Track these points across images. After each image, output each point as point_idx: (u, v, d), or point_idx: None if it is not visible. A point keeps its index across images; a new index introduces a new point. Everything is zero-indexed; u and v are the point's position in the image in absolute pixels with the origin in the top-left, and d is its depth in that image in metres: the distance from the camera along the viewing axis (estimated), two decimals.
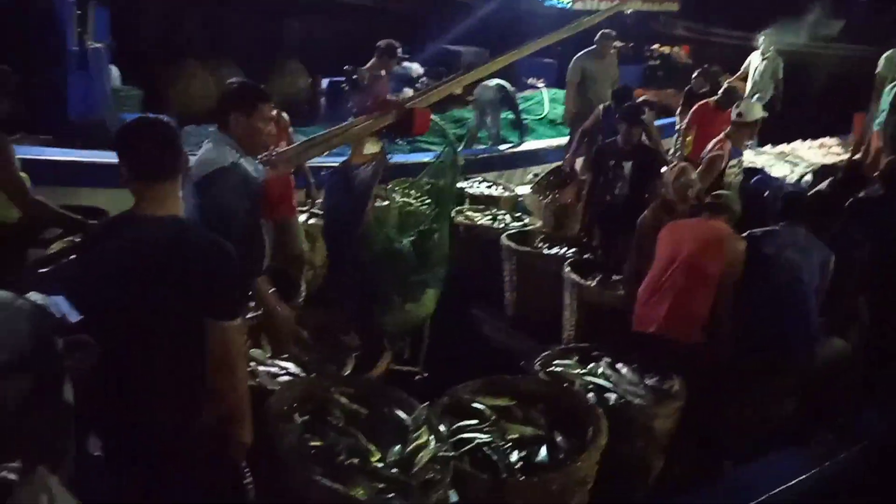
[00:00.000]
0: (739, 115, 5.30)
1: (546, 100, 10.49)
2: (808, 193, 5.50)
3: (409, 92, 7.91)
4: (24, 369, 1.47)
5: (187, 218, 2.24)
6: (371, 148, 3.60)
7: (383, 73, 5.56)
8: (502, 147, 8.89)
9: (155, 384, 2.18)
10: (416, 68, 10.33)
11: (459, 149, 3.96)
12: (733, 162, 5.16)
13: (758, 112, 5.44)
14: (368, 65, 5.81)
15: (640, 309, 3.91)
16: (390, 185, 4.27)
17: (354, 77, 5.44)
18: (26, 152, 4.82)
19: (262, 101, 2.85)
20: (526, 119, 9.34)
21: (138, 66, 8.53)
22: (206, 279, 2.15)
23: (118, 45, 8.35)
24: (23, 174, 3.26)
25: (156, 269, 2.13)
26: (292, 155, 3.44)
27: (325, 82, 9.87)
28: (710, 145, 5.29)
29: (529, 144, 8.89)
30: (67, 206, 3.50)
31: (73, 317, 2.22)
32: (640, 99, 7.83)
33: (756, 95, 8.70)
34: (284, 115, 4.53)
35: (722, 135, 5.36)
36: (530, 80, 11.29)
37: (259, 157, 3.13)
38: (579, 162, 6.87)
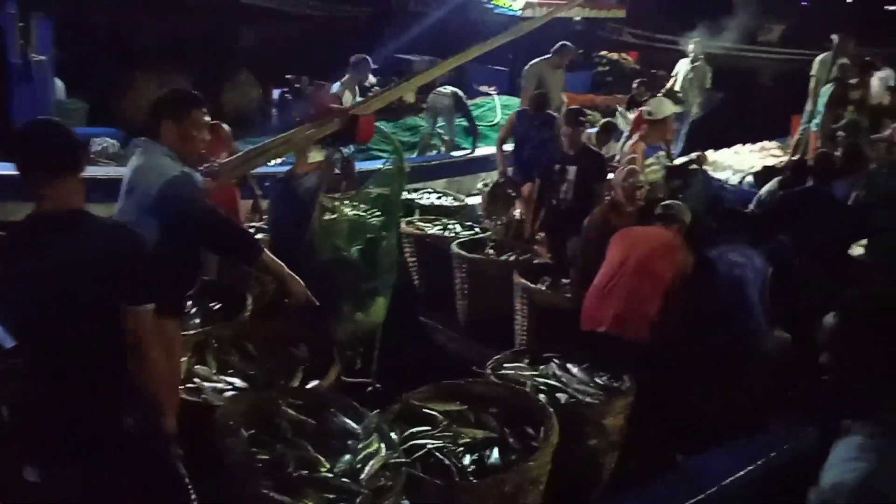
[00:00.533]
0: (649, 113, 5.48)
1: (498, 106, 10.54)
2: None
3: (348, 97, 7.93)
4: None
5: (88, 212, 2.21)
6: (316, 157, 3.57)
7: (330, 84, 5.51)
8: (456, 154, 8.93)
9: (81, 384, 2.18)
10: (369, 78, 10.35)
11: (411, 156, 3.95)
12: (651, 160, 5.29)
13: (667, 109, 5.59)
14: (344, 79, 5.85)
15: (590, 309, 3.96)
16: (336, 198, 4.24)
17: (297, 86, 5.41)
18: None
19: (194, 107, 2.79)
20: (479, 125, 9.40)
21: (84, 79, 8.33)
22: (114, 264, 2.15)
23: (63, 57, 8.18)
24: None
25: (66, 264, 2.11)
26: (235, 165, 3.39)
27: (276, 93, 9.77)
28: (625, 148, 5.48)
29: (482, 150, 8.94)
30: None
31: (8, 343, 2.20)
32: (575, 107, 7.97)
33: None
34: (225, 126, 4.47)
35: (635, 136, 5.53)
36: (482, 88, 11.35)
37: (201, 167, 3.08)
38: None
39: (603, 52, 13.61)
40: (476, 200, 7.09)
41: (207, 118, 2.84)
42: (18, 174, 2.14)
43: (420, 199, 6.65)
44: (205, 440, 2.68)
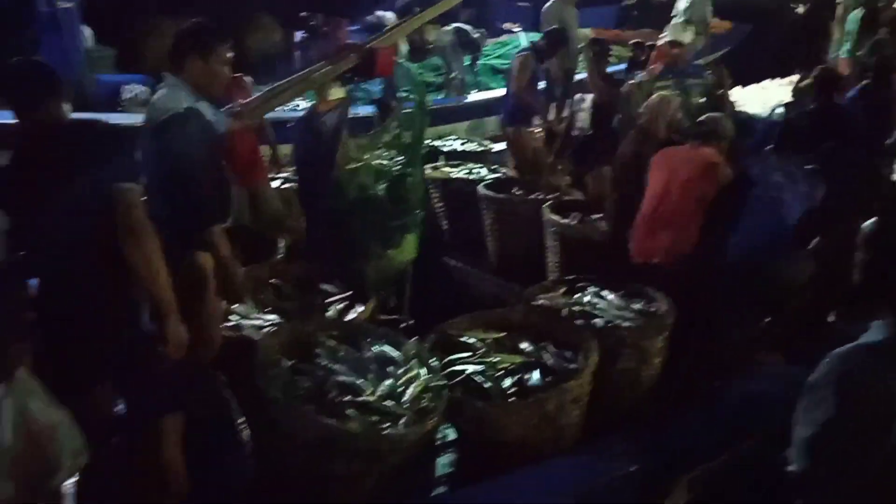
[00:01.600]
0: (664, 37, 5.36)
1: (524, 44, 10.29)
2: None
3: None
4: None
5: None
6: (336, 94, 3.53)
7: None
8: (476, 95, 8.65)
9: (83, 300, 2.25)
10: (389, 17, 10.13)
11: (438, 97, 3.89)
12: (668, 83, 5.19)
13: (678, 33, 5.46)
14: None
15: (640, 240, 3.89)
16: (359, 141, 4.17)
17: (312, 24, 5.34)
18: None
19: (219, 42, 2.78)
20: (504, 64, 9.10)
21: (111, 25, 8.28)
22: (94, 151, 2.24)
23: (89, 4, 8.10)
24: None
25: (55, 163, 2.22)
26: (256, 105, 3.37)
27: (298, 35, 9.58)
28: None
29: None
30: None
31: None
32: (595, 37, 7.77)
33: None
34: (247, 78, 4.43)
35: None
36: (506, 25, 11.02)
37: (224, 108, 3.06)
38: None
39: None
40: (502, 146, 7.01)
41: (230, 54, 2.82)
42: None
43: (444, 145, 6.60)
44: (247, 374, 2.71)
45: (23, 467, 2.09)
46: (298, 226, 4.59)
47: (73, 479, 2.62)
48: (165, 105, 2.69)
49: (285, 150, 5.26)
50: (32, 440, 2.09)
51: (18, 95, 2.32)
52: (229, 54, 2.83)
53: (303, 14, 5.61)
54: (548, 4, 7.73)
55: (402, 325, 3.99)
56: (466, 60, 8.77)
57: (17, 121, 2.34)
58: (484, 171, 5.97)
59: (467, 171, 5.99)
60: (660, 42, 6.41)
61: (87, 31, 7.54)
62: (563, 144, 5.30)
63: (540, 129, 6.40)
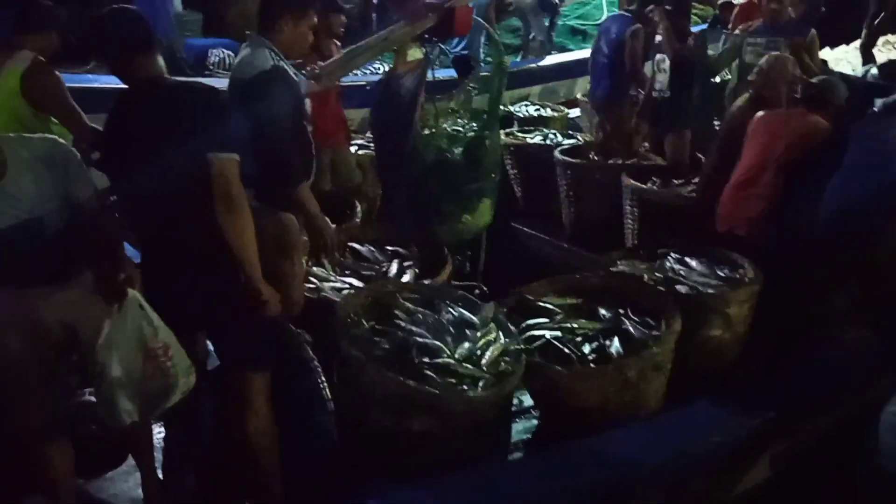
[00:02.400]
0: None
1: (605, 3, 10.02)
2: None
3: None
4: None
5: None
6: (415, 54, 3.50)
7: None
8: (558, 56, 8.51)
9: (184, 248, 2.31)
10: None
11: (515, 60, 3.81)
12: (760, 40, 4.91)
13: None
14: None
15: (726, 208, 3.72)
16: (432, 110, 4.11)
17: None
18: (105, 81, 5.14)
19: (311, 6, 2.83)
20: (584, 25, 8.93)
21: None
22: (192, 116, 2.26)
23: None
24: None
25: (150, 125, 2.25)
26: (336, 67, 3.37)
27: None
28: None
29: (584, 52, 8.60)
30: None
31: None
32: None
33: None
34: (337, 42, 4.43)
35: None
36: None
37: (304, 70, 3.08)
38: None
39: None
40: (576, 112, 6.86)
41: (316, 19, 2.87)
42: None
43: (518, 110, 6.50)
44: (327, 335, 2.75)
45: (145, 386, 2.23)
46: (373, 190, 4.64)
47: (159, 431, 2.76)
48: (252, 63, 2.72)
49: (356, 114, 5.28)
50: (151, 358, 2.21)
51: (113, 46, 2.34)
52: (315, 19, 2.86)
53: None
54: None
55: (476, 292, 3.98)
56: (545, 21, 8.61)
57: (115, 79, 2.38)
58: (559, 137, 5.86)
59: (542, 136, 5.88)
60: None
61: None
62: (643, 108, 5.11)
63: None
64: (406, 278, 3.32)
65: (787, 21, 5.07)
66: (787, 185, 3.55)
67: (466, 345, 2.71)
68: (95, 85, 5.36)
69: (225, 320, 2.37)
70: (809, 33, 4.88)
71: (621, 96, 5.38)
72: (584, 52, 8.46)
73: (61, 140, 2.37)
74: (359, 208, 3.89)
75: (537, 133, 5.94)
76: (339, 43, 4.23)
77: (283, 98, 2.68)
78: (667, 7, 4.92)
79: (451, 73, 4.27)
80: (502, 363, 2.64)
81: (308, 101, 3.11)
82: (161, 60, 2.35)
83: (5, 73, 3.12)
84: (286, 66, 2.75)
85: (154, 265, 2.35)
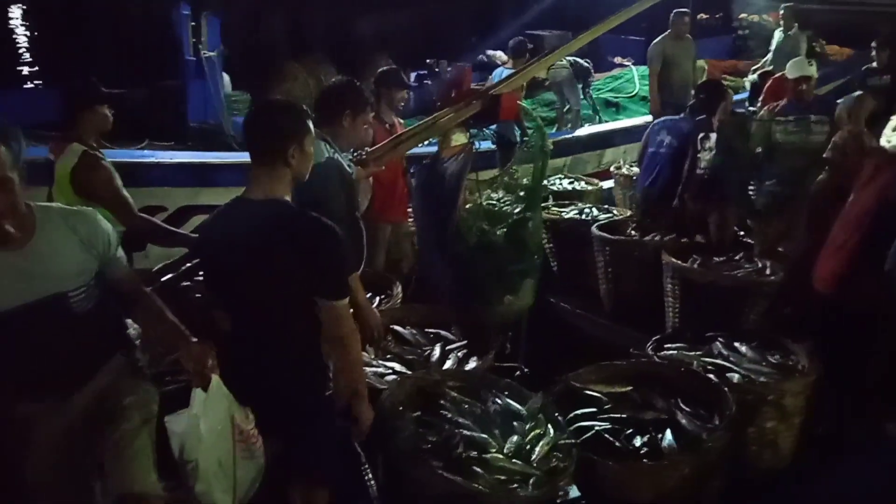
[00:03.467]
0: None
1: (636, 77, 10.28)
2: None
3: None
4: None
5: (290, 202, 2.30)
6: (459, 139, 3.53)
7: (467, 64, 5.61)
8: (592, 128, 8.77)
9: (275, 360, 2.28)
10: (500, 55, 10.33)
11: (551, 132, 3.83)
12: (789, 118, 5.00)
13: (800, 69, 5.15)
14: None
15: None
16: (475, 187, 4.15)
17: (437, 70, 5.41)
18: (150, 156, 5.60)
19: (368, 102, 2.97)
20: (618, 97, 9.20)
21: (246, 72, 8.82)
22: (311, 258, 2.20)
23: (229, 53, 8.58)
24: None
25: (261, 250, 2.20)
26: (382, 153, 3.42)
27: (413, 75, 9.77)
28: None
29: (624, 122, 8.74)
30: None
31: None
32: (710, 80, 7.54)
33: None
34: (400, 120, 4.56)
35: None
36: (617, 59, 11.13)
37: (351, 156, 3.14)
38: None
39: (743, 15, 12.74)
40: (610, 184, 6.87)
41: (373, 108, 2.98)
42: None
43: (552, 184, 6.51)
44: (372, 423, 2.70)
45: (239, 472, 2.16)
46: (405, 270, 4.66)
47: None
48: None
49: None
50: (243, 441, 2.16)
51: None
52: (371, 115, 2.96)
53: (428, 61, 5.78)
54: (651, 45, 7.60)
55: (518, 374, 3.91)
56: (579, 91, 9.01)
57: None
58: (595, 211, 5.85)
59: (578, 210, 5.87)
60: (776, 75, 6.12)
61: (226, 78, 8.05)
62: (686, 186, 5.11)
63: None
64: (449, 363, 3.27)
65: (813, 99, 5.12)
66: None
67: (515, 438, 2.65)
68: (151, 160, 5.56)
69: (310, 433, 2.35)
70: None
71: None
72: (627, 122, 8.76)
73: (100, 216, 2.29)
74: (399, 288, 3.87)
75: (573, 207, 5.94)
76: (400, 120, 4.37)
77: (337, 190, 2.72)
78: None
79: (488, 145, 4.33)
80: (553, 459, 2.56)
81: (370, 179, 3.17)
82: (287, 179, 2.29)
83: (58, 169, 3.23)
84: (340, 159, 2.80)
85: (242, 362, 2.29)
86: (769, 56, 8.76)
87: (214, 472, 2.11)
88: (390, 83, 4.33)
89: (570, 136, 8.27)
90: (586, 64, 8.82)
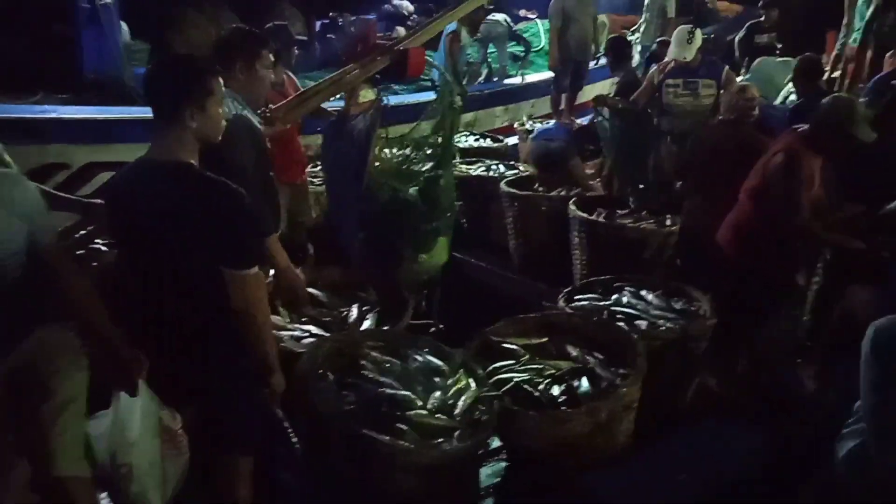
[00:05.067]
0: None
1: (542, 31, 10.42)
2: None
3: (401, 31, 7.78)
4: None
5: (195, 165, 2.16)
6: (367, 95, 3.45)
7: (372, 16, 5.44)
8: (507, 81, 9.06)
9: (185, 328, 2.18)
10: (406, 5, 10.27)
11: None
12: (677, 81, 5.17)
13: (681, 51, 5.17)
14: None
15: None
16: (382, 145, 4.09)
17: (340, 23, 5.24)
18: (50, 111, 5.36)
19: (262, 47, 2.74)
20: (521, 51, 9.40)
21: (143, 20, 8.25)
22: (213, 225, 2.09)
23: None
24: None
25: (162, 216, 2.09)
26: (288, 110, 3.29)
27: (318, 24, 9.45)
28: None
29: (533, 77, 8.88)
30: None
31: None
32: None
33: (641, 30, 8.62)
34: (291, 74, 4.36)
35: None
36: (522, 12, 11.19)
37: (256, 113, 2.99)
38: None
39: None
40: (515, 140, 6.95)
41: (272, 58, 2.77)
42: None
43: (458, 141, 6.51)
44: (290, 387, 2.64)
45: (166, 470, 2.13)
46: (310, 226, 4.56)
47: None
48: None
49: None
50: (169, 440, 2.12)
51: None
52: (271, 58, 2.77)
53: (331, 14, 5.54)
54: (551, 2, 7.66)
55: (433, 330, 3.93)
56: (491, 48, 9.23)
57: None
58: (502, 168, 5.90)
59: (485, 167, 5.91)
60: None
61: (124, 27, 7.54)
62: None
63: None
64: (367, 324, 3.25)
65: (700, 62, 5.23)
66: None
67: (437, 394, 2.67)
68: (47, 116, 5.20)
69: (227, 402, 2.26)
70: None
71: None
72: (534, 76, 9.01)
73: (24, 178, 2.12)
74: (311, 250, 3.79)
75: (480, 164, 5.97)
76: (290, 74, 4.19)
77: (247, 149, 2.59)
78: None
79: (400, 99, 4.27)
80: (476, 412, 2.60)
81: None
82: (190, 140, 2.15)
83: None
84: (249, 115, 2.66)
85: (152, 340, 2.19)
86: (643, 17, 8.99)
87: (146, 471, 2.08)
88: (278, 41, 4.11)
89: (478, 91, 8.34)
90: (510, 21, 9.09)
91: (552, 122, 6.60)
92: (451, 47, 6.98)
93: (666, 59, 5.25)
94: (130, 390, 2.07)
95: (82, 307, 2.10)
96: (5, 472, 2.04)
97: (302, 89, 3.85)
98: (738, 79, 5.82)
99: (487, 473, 2.97)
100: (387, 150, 3.77)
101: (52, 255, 2.06)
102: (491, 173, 5.77)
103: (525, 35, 10.34)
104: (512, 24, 9.10)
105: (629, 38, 8.33)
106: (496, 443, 3.05)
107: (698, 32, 5.20)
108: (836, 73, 7.73)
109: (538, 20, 10.68)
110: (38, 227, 2.03)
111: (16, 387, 2.03)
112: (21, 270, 1.99)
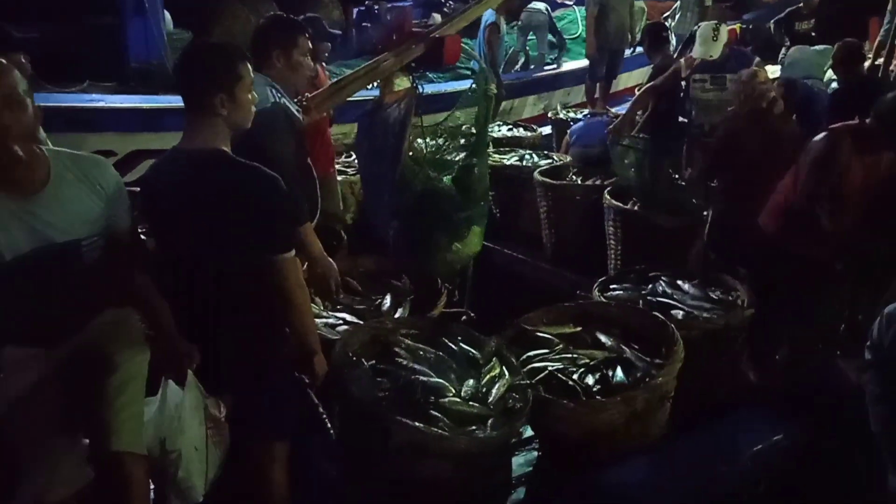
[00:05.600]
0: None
1: (580, 18, 10.29)
2: None
3: (437, 18, 7.77)
4: None
5: (228, 152, 2.17)
6: (402, 84, 3.44)
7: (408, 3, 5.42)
8: (547, 69, 9.07)
9: (223, 316, 2.20)
10: None
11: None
12: (705, 76, 5.09)
13: (705, 50, 5.03)
14: None
15: None
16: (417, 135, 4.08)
17: (376, 11, 5.25)
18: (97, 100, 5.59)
19: (301, 34, 2.75)
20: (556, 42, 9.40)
21: (186, 9, 8.38)
22: (249, 211, 2.10)
23: None
24: None
25: (198, 204, 2.10)
26: (323, 99, 3.31)
27: (356, 12, 9.40)
28: None
29: (569, 65, 8.86)
30: None
31: None
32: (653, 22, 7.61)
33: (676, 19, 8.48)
34: (323, 66, 4.38)
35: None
36: None
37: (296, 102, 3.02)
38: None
39: None
40: (548, 130, 6.89)
41: (310, 44, 2.77)
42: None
43: (491, 131, 6.47)
44: (325, 375, 2.67)
45: (210, 458, 2.18)
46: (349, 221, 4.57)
47: None
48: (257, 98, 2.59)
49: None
50: (214, 428, 2.17)
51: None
52: (309, 44, 2.77)
53: (367, 2, 5.54)
54: None
55: (464, 319, 3.93)
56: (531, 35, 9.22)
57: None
58: (535, 158, 5.86)
59: (518, 157, 5.88)
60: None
61: (167, 16, 7.66)
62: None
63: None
64: (400, 312, 3.26)
65: (727, 55, 5.12)
66: None
67: (471, 382, 2.67)
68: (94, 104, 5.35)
69: (264, 388, 2.28)
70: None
71: None
72: (572, 64, 8.98)
73: (108, 162, 2.18)
74: (345, 239, 3.81)
75: (513, 154, 5.93)
76: (325, 65, 4.21)
77: (285, 137, 2.61)
78: None
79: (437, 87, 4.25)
80: (510, 400, 2.60)
81: None
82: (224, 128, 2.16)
83: None
84: (287, 103, 2.68)
85: (191, 327, 2.22)
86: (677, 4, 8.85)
87: (193, 458, 2.13)
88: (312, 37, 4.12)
89: (513, 79, 8.31)
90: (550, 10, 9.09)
91: (587, 114, 6.48)
92: (489, 38, 6.94)
93: (692, 54, 5.12)
94: (181, 380, 2.12)
95: (149, 295, 2.18)
96: (67, 448, 2.09)
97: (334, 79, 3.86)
98: (771, 69, 5.70)
99: (520, 462, 2.97)
100: (420, 140, 3.78)
101: (128, 241, 2.13)
102: (524, 163, 5.73)
103: (563, 21, 10.26)
104: (551, 12, 9.06)
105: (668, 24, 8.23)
106: (529, 432, 3.07)
107: (723, 28, 5.03)
108: (880, 61, 7.55)
109: (576, 7, 10.58)
110: (119, 212, 2.09)
111: (83, 362, 2.10)
112: (99, 252, 2.05)
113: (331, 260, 3.00)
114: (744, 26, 7.60)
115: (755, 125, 3.87)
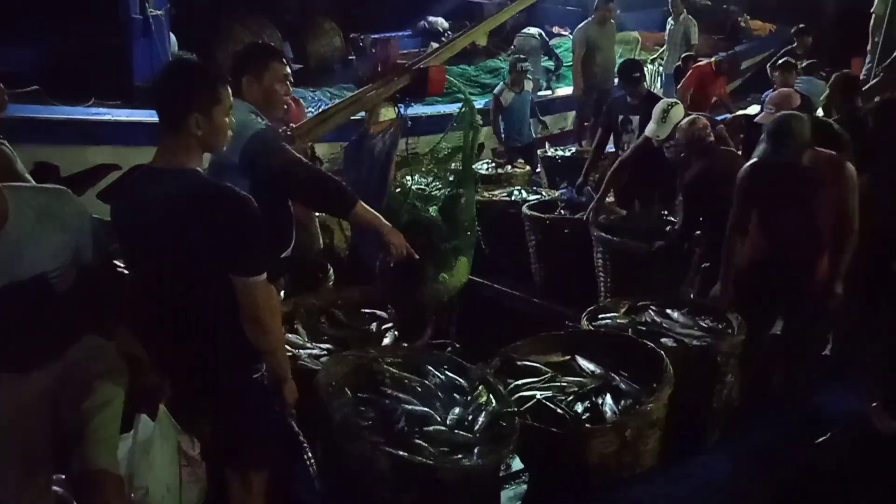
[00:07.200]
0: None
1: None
2: None
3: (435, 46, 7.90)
4: None
5: (200, 172, 2.16)
6: (387, 114, 3.46)
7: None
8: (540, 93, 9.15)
9: (196, 340, 2.16)
10: (441, 22, 10.47)
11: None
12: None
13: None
14: None
15: None
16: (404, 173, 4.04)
17: (361, 44, 5.30)
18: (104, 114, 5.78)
19: (273, 59, 2.73)
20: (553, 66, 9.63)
21: (191, 32, 8.49)
22: (220, 230, 2.06)
23: (175, 12, 8.23)
24: None
25: (168, 224, 2.07)
26: (308, 129, 3.31)
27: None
28: None
29: (563, 91, 9.08)
30: None
31: None
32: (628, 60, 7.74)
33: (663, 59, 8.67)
34: (300, 100, 4.39)
35: None
36: (555, 29, 11.32)
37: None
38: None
39: None
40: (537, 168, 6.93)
41: (287, 70, 2.76)
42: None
43: (479, 168, 6.51)
44: (308, 404, 2.60)
45: (184, 497, 2.17)
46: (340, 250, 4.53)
47: None
48: (244, 124, 2.54)
49: None
50: (188, 466, 2.15)
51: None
52: (286, 70, 2.75)
53: (352, 35, 5.61)
54: (575, 31, 7.73)
55: (448, 350, 3.87)
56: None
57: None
58: (524, 193, 5.87)
59: (507, 193, 5.89)
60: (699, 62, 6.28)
61: (173, 38, 7.75)
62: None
63: None
64: (386, 341, 3.20)
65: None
66: None
67: (457, 410, 2.60)
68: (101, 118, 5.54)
69: (241, 415, 2.23)
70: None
71: None
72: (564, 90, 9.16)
73: (72, 194, 2.17)
74: (331, 271, 3.77)
75: (502, 190, 5.95)
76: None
77: (288, 146, 2.61)
78: None
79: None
80: (496, 427, 2.53)
81: None
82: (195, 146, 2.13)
83: None
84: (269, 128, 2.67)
85: (161, 349, 2.17)
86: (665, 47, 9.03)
87: (163, 495, 2.09)
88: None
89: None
90: (545, 35, 9.30)
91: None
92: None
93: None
94: (151, 413, 2.09)
95: (117, 324, 2.18)
96: (46, 469, 2.11)
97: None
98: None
99: (509, 496, 2.89)
100: (408, 178, 3.78)
101: (97, 268, 2.14)
102: (514, 198, 5.73)
103: (559, 50, 10.44)
104: (546, 38, 9.19)
105: (649, 67, 8.39)
106: (518, 464, 2.99)
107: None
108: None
109: (571, 36, 10.80)
110: (84, 241, 2.09)
111: (64, 384, 2.11)
112: (72, 280, 2.07)
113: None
114: (719, 59, 7.76)
115: (711, 167, 3.93)
